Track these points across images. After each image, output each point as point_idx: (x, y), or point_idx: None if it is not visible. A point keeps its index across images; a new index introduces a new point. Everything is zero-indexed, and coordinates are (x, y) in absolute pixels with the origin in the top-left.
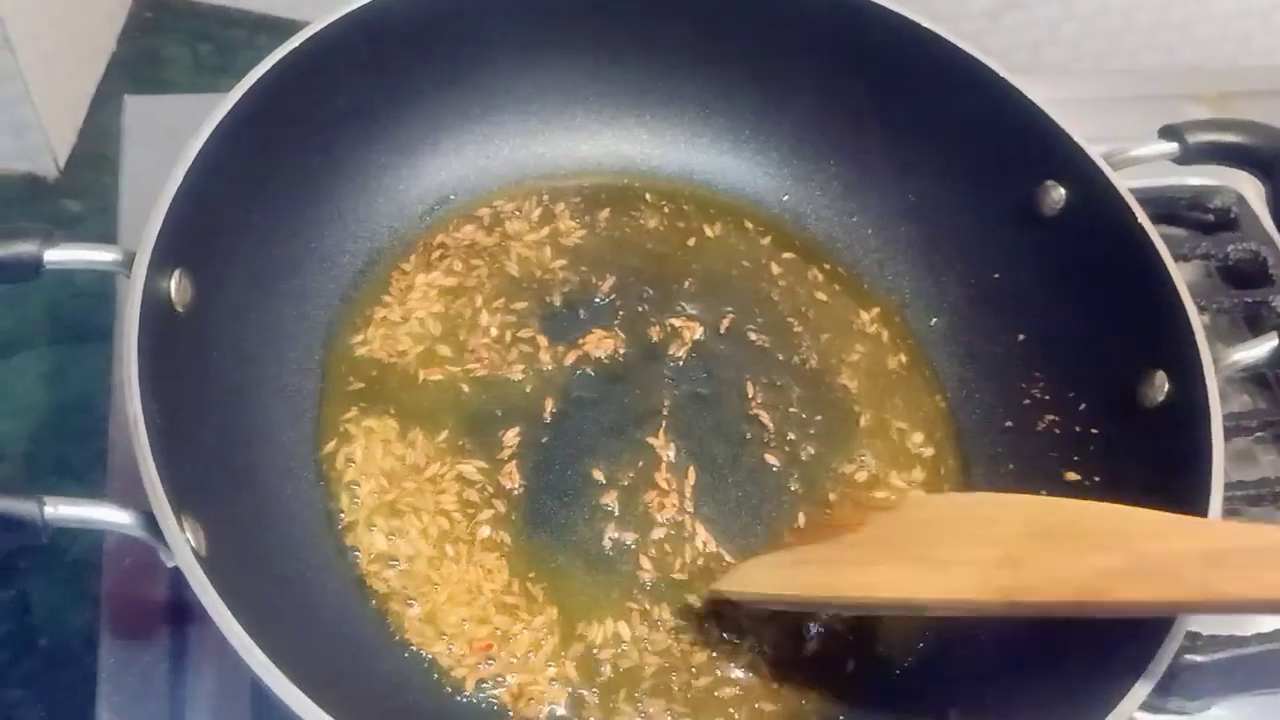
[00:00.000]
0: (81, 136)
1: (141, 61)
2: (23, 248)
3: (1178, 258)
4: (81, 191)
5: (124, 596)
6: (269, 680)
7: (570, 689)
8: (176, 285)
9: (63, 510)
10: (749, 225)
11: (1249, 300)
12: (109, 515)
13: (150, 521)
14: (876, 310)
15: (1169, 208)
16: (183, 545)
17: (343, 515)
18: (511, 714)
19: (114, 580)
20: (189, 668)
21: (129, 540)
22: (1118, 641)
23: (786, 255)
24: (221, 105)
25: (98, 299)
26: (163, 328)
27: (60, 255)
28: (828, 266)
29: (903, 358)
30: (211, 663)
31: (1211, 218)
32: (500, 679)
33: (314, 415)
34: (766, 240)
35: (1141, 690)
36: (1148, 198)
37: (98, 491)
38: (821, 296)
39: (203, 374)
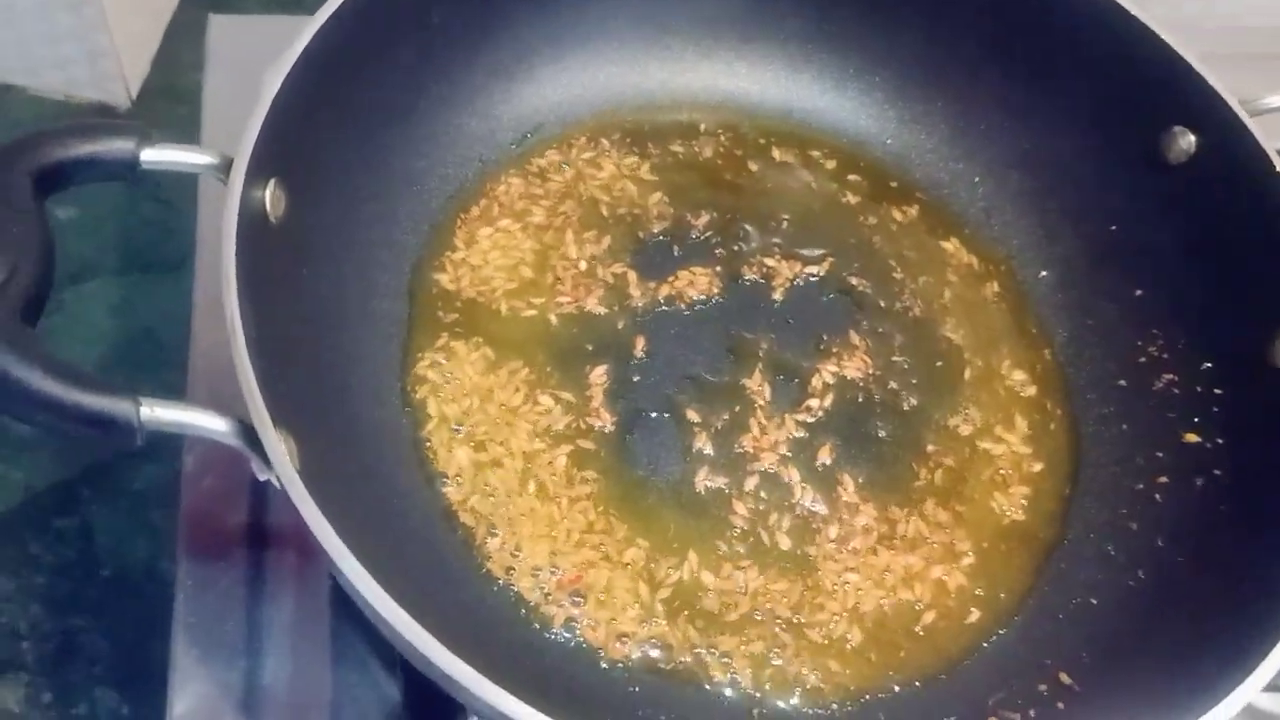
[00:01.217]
0: (155, 66)
1: None
2: (121, 144)
3: None
4: (154, 123)
5: (203, 518)
6: (363, 589)
7: (659, 630)
8: (271, 195)
9: (159, 413)
10: (850, 167)
11: None
12: (206, 421)
13: (246, 431)
14: (982, 261)
15: None
16: (281, 453)
17: (429, 444)
18: (601, 653)
19: (192, 500)
20: (266, 593)
21: (208, 461)
22: (1241, 617)
23: (889, 201)
24: (318, 17)
25: (167, 231)
26: (256, 238)
27: (157, 155)
28: (938, 218)
29: (1009, 311)
30: (290, 589)
31: None
32: (588, 618)
33: (401, 342)
34: (868, 184)
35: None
36: None
37: None
38: (924, 245)
39: (294, 290)
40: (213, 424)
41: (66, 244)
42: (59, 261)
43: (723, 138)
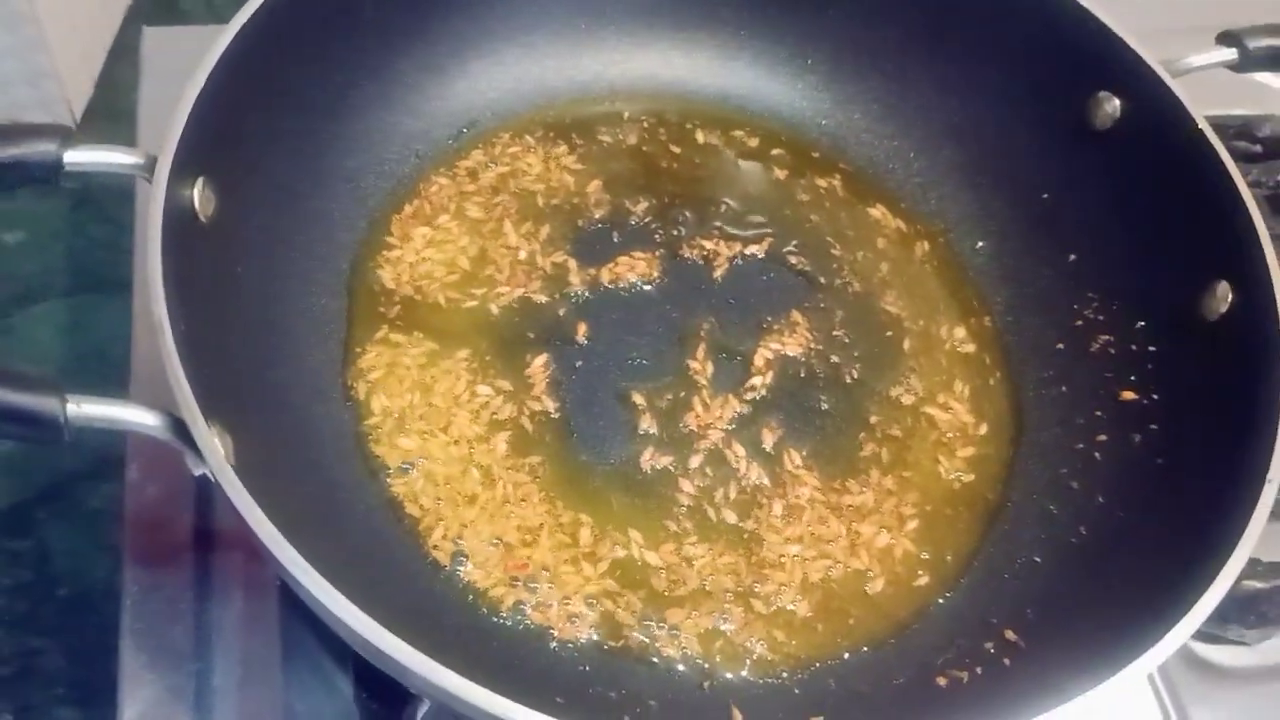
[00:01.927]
0: (99, 87)
1: (158, 12)
2: (43, 147)
3: None
4: (101, 143)
5: (147, 525)
6: (301, 577)
7: (608, 609)
8: (199, 194)
9: (86, 408)
10: (787, 148)
11: None
12: (134, 415)
13: (177, 425)
14: (920, 234)
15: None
16: (213, 445)
17: (372, 436)
18: (552, 634)
19: (137, 508)
20: (215, 598)
21: (152, 469)
22: (1177, 565)
23: (825, 179)
24: (240, 15)
25: (115, 250)
26: (186, 236)
27: (80, 156)
28: (872, 192)
29: (947, 283)
30: (238, 592)
31: (1259, 147)
32: (537, 601)
33: (342, 336)
34: (805, 164)
35: (1203, 611)
36: None
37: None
38: (861, 221)
39: (228, 288)
40: (143, 418)
41: (14, 266)
42: (7, 285)
43: (645, 124)
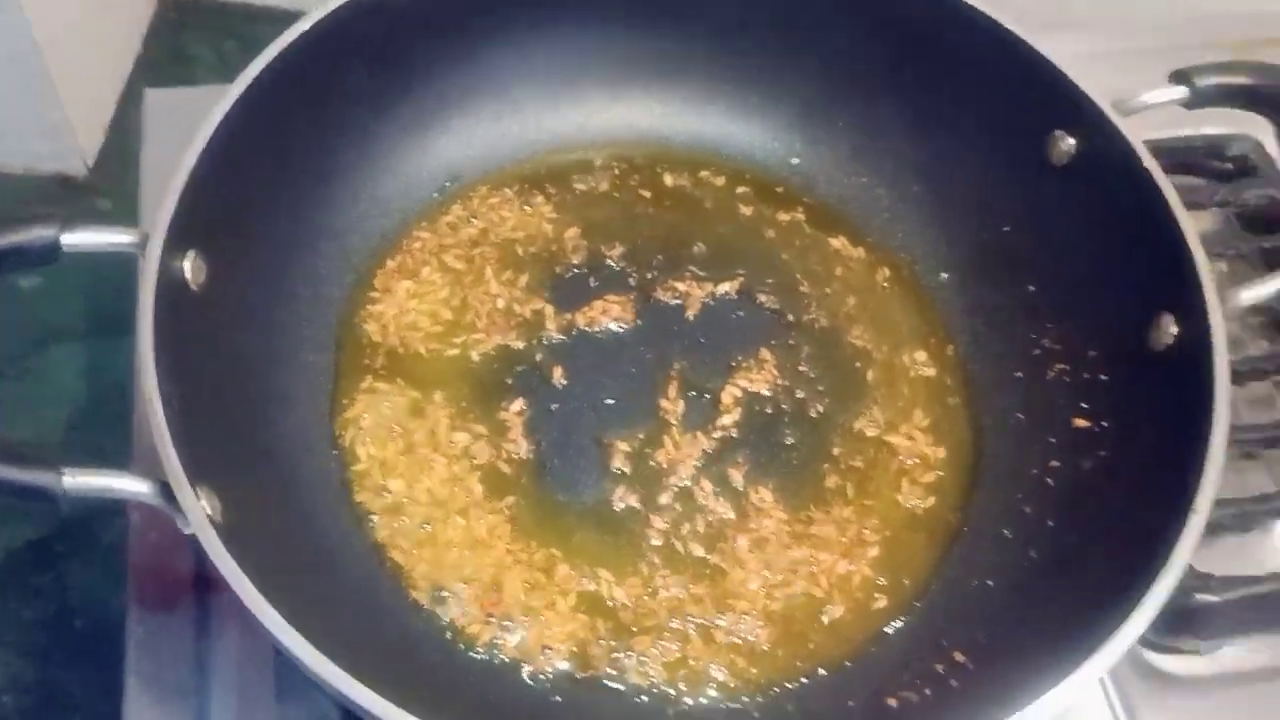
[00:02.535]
0: (109, 135)
1: (166, 60)
2: (42, 232)
3: (1194, 206)
4: (111, 190)
5: (150, 569)
6: (281, 636)
7: (580, 644)
8: (191, 265)
9: (81, 480)
10: (759, 190)
11: (1266, 245)
12: (126, 484)
13: (167, 490)
14: (887, 268)
15: (1186, 156)
16: (197, 510)
17: (358, 484)
18: (525, 668)
19: (140, 554)
20: (213, 636)
21: (155, 515)
22: (1115, 586)
23: (796, 218)
24: (231, 91)
25: (133, 294)
26: (179, 307)
27: (77, 239)
28: (841, 228)
29: (913, 314)
30: (234, 631)
31: (1230, 165)
32: (512, 637)
33: (330, 389)
34: (776, 204)
35: (1136, 627)
36: (1164, 147)
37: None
38: (832, 257)
39: (221, 351)
40: (134, 487)
41: (34, 311)
42: (27, 329)
43: (616, 170)
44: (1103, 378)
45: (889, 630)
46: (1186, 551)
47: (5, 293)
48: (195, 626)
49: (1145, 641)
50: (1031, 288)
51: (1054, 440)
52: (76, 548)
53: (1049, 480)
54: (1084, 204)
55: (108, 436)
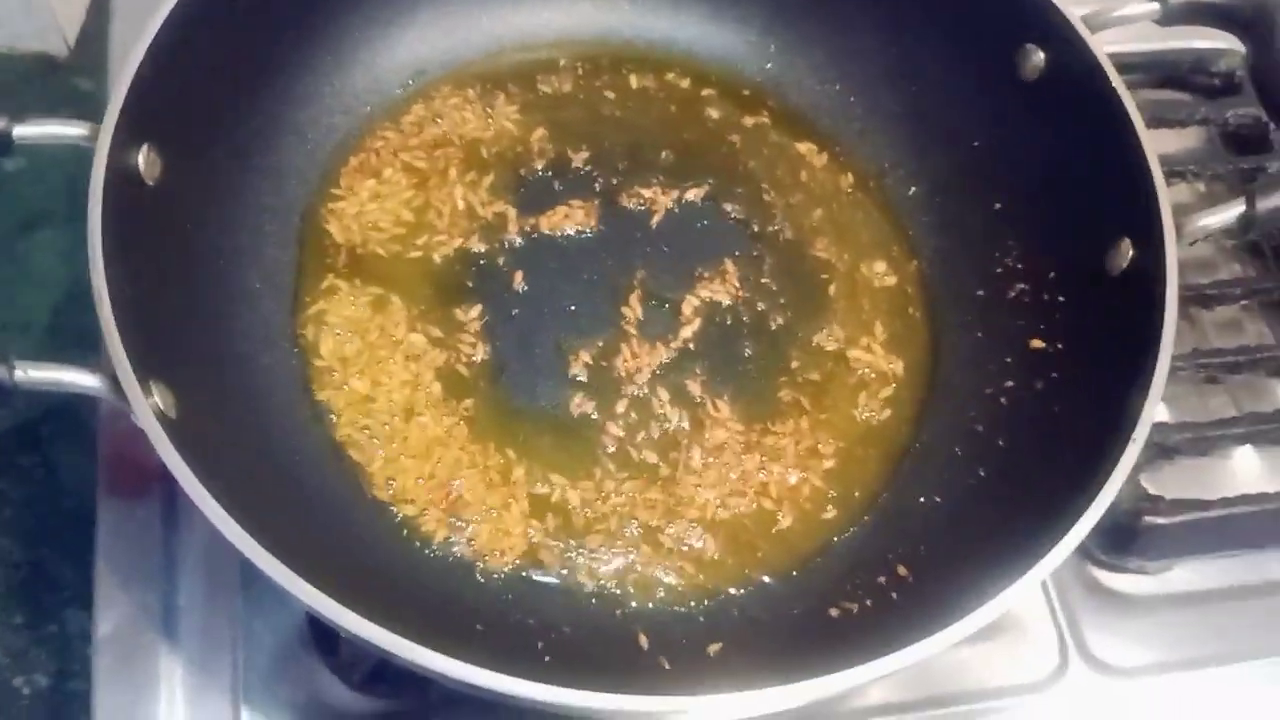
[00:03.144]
0: (90, 15)
1: None
2: None
3: (1175, 123)
4: (92, 70)
5: (118, 458)
6: (224, 529)
7: (532, 545)
8: (145, 159)
9: (32, 374)
10: (729, 95)
11: (1244, 166)
12: (77, 378)
13: (119, 385)
14: (854, 179)
15: (1172, 71)
16: (143, 406)
17: (317, 382)
18: (478, 566)
19: (108, 443)
20: (181, 523)
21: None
22: (1054, 507)
23: (765, 125)
24: None
25: None
26: (133, 200)
27: (30, 130)
28: (809, 136)
29: (878, 227)
30: (202, 519)
31: (1216, 82)
32: (466, 535)
33: (291, 285)
34: (746, 110)
35: (1070, 542)
36: (1148, 61)
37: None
38: (799, 166)
39: (178, 245)
40: (85, 381)
41: (17, 193)
42: (11, 212)
43: (580, 70)
44: (1061, 299)
45: (836, 541)
46: (1123, 475)
47: None
48: (163, 514)
49: (1094, 559)
50: (998, 205)
51: (1010, 360)
52: (62, 430)
53: (1002, 400)
54: (1051, 121)
55: (92, 319)
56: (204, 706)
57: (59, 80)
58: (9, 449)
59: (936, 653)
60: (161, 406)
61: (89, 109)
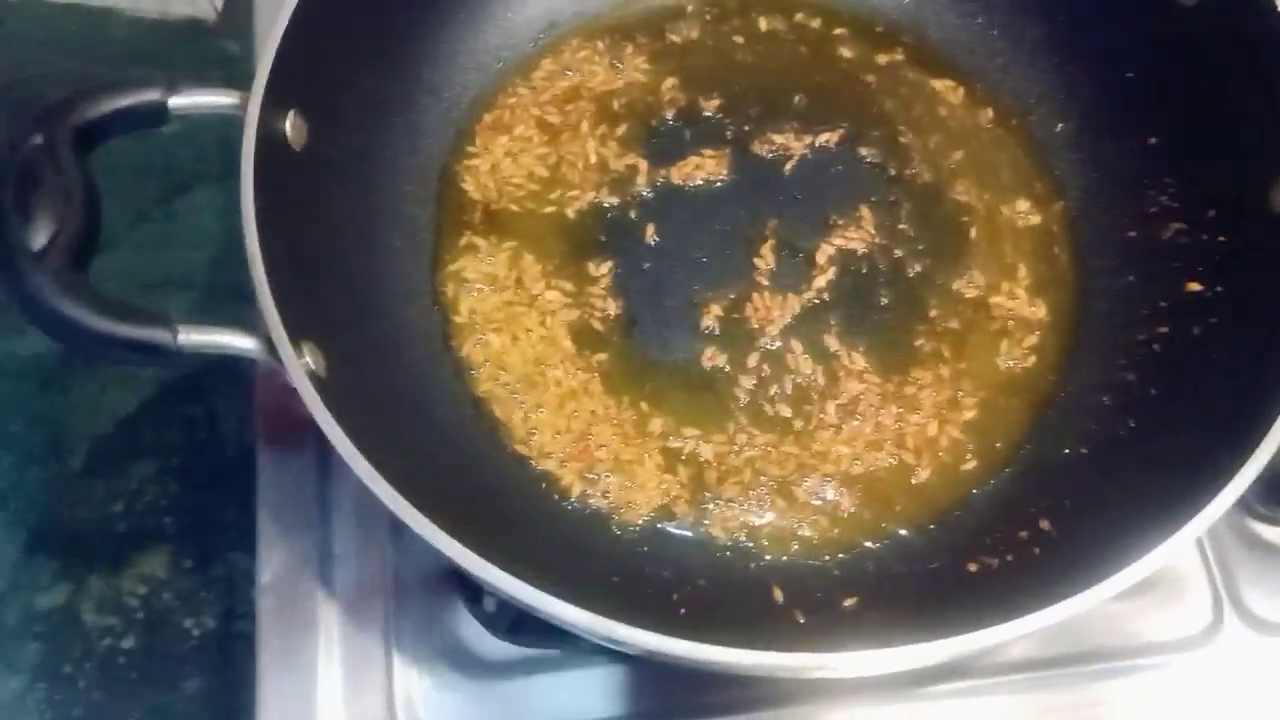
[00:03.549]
0: None
1: None
2: (148, 95)
3: None
4: (240, 32)
5: (275, 411)
6: (373, 485)
7: (667, 498)
8: (292, 125)
9: (194, 337)
10: (861, 34)
11: None
12: (236, 341)
13: (273, 346)
14: (996, 117)
15: None
16: (297, 367)
17: (457, 339)
18: (614, 519)
19: (265, 397)
20: (334, 473)
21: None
22: (1210, 460)
23: (900, 62)
24: None
25: None
26: (281, 166)
27: (184, 101)
28: (948, 74)
29: (1021, 168)
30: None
31: None
32: (601, 488)
33: (430, 243)
34: (879, 48)
35: (1230, 495)
36: None
37: None
38: (939, 106)
39: (324, 209)
40: (242, 343)
41: (172, 156)
42: (168, 173)
43: (708, 16)
44: (1221, 240)
45: (975, 494)
46: None
47: (147, 138)
48: (317, 465)
49: (1251, 512)
50: (1152, 140)
51: (1164, 304)
52: (223, 383)
53: (1156, 346)
54: (1211, 48)
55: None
56: (358, 650)
57: (208, 44)
58: (174, 400)
59: (1083, 610)
60: (313, 366)
61: (236, 72)
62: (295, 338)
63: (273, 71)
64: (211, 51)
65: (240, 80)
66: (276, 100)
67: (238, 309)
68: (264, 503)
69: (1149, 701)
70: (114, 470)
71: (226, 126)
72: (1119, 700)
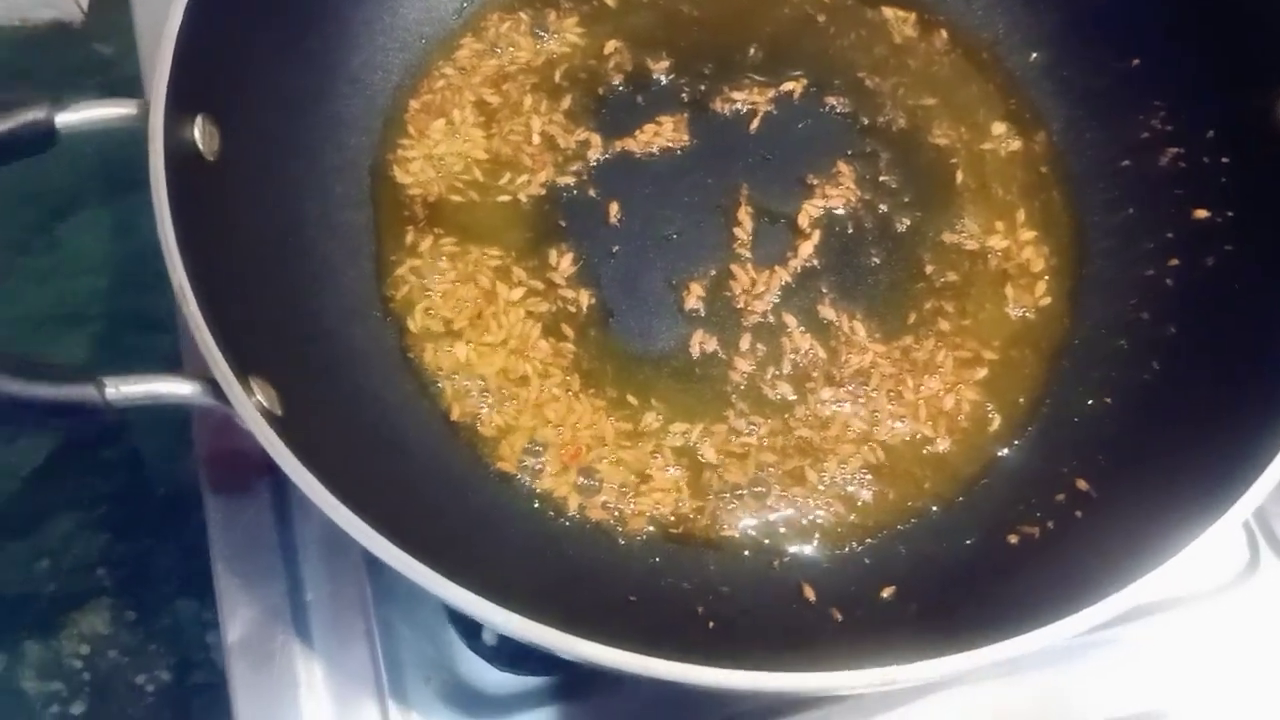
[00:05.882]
0: None
1: None
2: (31, 115)
3: None
4: (109, 33)
5: (220, 454)
6: (351, 530)
7: (671, 502)
8: (201, 132)
9: (125, 390)
10: None
11: None
12: (174, 388)
13: (217, 388)
14: (963, 51)
15: None
16: (248, 407)
17: (415, 349)
18: (619, 530)
19: (208, 440)
20: (295, 516)
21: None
22: (1262, 398)
23: (858, 3)
24: None
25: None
26: (195, 180)
27: (73, 117)
28: (906, 9)
29: (998, 103)
30: (316, 509)
31: None
32: (599, 498)
33: (371, 250)
34: None
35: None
36: None
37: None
38: (901, 45)
39: (247, 223)
40: (180, 389)
41: (48, 178)
42: (45, 197)
43: None
44: (1224, 161)
45: (1002, 456)
46: None
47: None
48: (274, 506)
49: None
50: (1135, 60)
51: (1171, 235)
52: (140, 416)
53: (1167, 281)
54: None
55: (150, 299)
56: (349, 704)
57: (77, 49)
58: (90, 443)
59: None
60: (265, 404)
61: (115, 77)
62: (241, 375)
63: (173, 73)
64: (82, 57)
65: (121, 85)
66: (181, 105)
67: (150, 340)
68: (218, 555)
69: (1187, 642)
70: (32, 528)
71: (105, 139)
72: (1157, 641)
